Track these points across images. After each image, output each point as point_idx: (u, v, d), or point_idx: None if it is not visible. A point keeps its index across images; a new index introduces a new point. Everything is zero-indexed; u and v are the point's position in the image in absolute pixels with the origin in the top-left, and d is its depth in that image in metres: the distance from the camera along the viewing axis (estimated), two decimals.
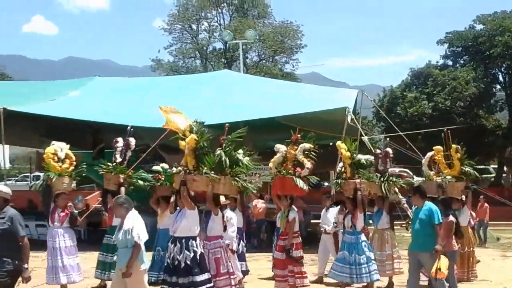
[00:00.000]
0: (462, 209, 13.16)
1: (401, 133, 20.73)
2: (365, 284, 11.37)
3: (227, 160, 9.66)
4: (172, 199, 11.27)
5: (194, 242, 9.19)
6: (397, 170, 38.14)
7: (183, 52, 55.61)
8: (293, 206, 11.58)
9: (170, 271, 9.24)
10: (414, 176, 36.71)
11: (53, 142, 11.78)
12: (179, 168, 9.83)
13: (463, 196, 13.30)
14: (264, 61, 56.24)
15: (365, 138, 18.44)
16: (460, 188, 12.92)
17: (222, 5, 56.06)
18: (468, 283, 12.96)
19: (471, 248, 13.35)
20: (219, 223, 10.20)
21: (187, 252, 9.09)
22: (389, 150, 12.23)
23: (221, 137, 10.12)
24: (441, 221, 9.96)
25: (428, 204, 10.19)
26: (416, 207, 10.40)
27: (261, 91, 22.64)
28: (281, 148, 11.53)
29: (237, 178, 9.93)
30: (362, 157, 12.24)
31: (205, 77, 29.56)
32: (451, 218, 10.75)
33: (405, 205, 15.72)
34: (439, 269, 9.45)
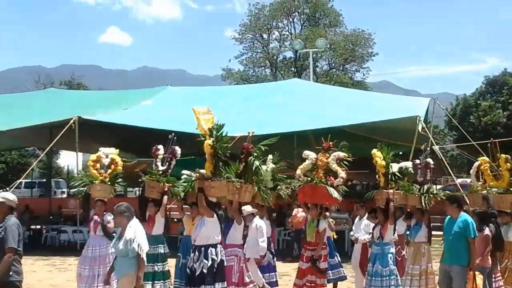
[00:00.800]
0: (511, 223, 12.13)
1: (473, 142, 20.23)
2: None
3: (260, 168, 9.72)
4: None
5: (213, 250, 9.06)
6: (468, 180, 37.28)
7: (254, 61, 56.03)
8: (325, 215, 11.39)
9: (187, 280, 9.26)
10: None
11: (101, 148, 11.67)
12: (197, 174, 9.66)
13: None
14: (334, 69, 56.03)
15: (436, 148, 18.10)
16: (509, 200, 12.09)
17: (294, 14, 56.25)
18: None
19: None
20: (240, 232, 10.13)
21: (205, 261, 8.97)
22: (430, 160, 11.60)
23: (245, 145, 10.01)
24: (476, 235, 9.54)
25: (464, 216, 9.77)
26: (450, 217, 9.95)
27: (330, 100, 22.55)
28: (310, 155, 11.23)
29: (262, 187, 9.92)
30: (397, 166, 11.76)
31: (274, 86, 29.67)
32: (487, 232, 10.28)
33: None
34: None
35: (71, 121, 17.90)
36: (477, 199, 12.29)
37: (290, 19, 56.53)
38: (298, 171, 11.07)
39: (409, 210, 12.04)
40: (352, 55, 54.16)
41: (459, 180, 29.61)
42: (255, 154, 9.93)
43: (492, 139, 12.88)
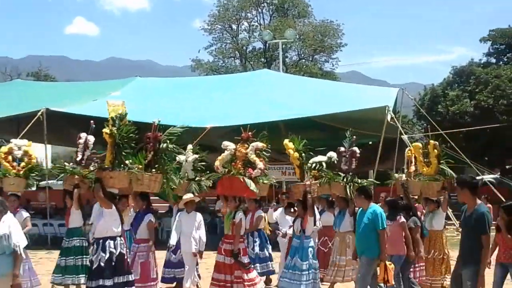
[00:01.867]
0: (437, 211, 12.06)
1: (442, 131, 20.45)
2: None
3: (168, 158, 9.56)
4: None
5: (112, 242, 8.65)
6: None
7: (223, 52, 55.88)
8: (240, 208, 10.94)
9: (88, 274, 8.99)
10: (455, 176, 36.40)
11: (12, 139, 11.29)
12: (95, 164, 9.44)
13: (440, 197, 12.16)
14: (303, 60, 56.15)
15: (404, 137, 18.28)
16: (436, 188, 11.83)
17: (262, 5, 56.14)
18: None
19: (443, 256, 11.96)
20: (144, 225, 10.09)
21: (102, 254, 8.58)
22: (356, 149, 11.36)
23: (149, 134, 9.78)
24: (385, 226, 9.18)
25: (373, 207, 9.41)
26: (361, 209, 9.56)
27: (300, 90, 22.64)
28: (229, 145, 10.74)
29: (175, 177, 9.82)
30: (323, 157, 11.68)
31: (244, 77, 29.68)
32: (402, 219, 10.13)
33: None
34: (387, 281, 8.87)
35: (39, 113, 17.72)
36: (398, 187, 12.11)
37: (259, 10, 56.42)
38: (217, 162, 10.66)
39: (332, 198, 12.09)
40: (321, 45, 54.31)
41: None
42: (167, 142, 9.69)
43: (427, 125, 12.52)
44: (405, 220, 10.19)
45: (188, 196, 11.15)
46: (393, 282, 9.03)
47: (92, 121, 10.39)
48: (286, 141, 11.16)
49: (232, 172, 10.42)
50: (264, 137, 10.87)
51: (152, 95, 22.72)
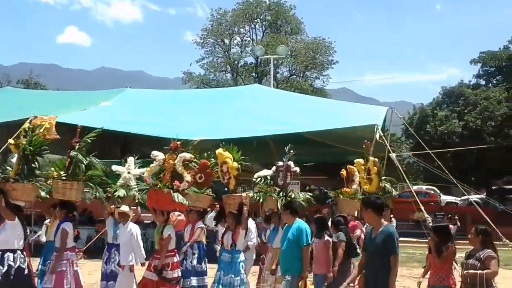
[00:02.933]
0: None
1: (429, 151, 20.56)
2: None
3: (82, 164, 9.32)
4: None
5: (11, 255, 8.30)
6: (424, 188, 38.03)
7: (215, 66, 56.09)
8: (169, 222, 10.51)
9: None
10: (441, 194, 36.56)
11: None
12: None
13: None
14: (294, 76, 56.45)
15: (393, 155, 18.33)
16: (356, 206, 11.74)
17: (256, 20, 56.47)
18: None
19: None
20: (72, 235, 9.78)
21: (0, 267, 8.22)
22: (291, 163, 11.17)
23: (72, 140, 9.71)
24: (309, 242, 8.95)
25: (298, 222, 9.15)
26: (287, 224, 9.34)
27: (290, 106, 22.68)
28: (158, 155, 10.25)
29: (91, 184, 9.57)
30: (264, 173, 11.51)
31: (235, 91, 29.69)
32: (327, 237, 9.93)
33: (431, 223, 14.25)
34: None
35: (28, 121, 17.66)
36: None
37: (252, 25, 56.81)
38: (146, 174, 10.30)
39: (267, 213, 11.86)
40: (313, 62, 54.66)
41: (414, 187, 30.11)
42: (82, 148, 9.54)
43: (366, 141, 12.57)
44: (329, 239, 9.94)
45: (121, 208, 10.95)
46: None
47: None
48: (219, 150, 10.91)
49: (158, 185, 9.95)
50: (193, 149, 10.49)
51: (142, 106, 22.68)
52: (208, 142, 19.99)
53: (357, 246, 12.45)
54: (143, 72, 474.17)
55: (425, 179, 40.53)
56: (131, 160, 11.16)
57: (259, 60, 53.88)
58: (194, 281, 11.82)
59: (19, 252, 8.37)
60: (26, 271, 8.50)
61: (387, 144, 18.34)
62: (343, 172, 12.41)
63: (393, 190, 12.13)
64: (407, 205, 23.24)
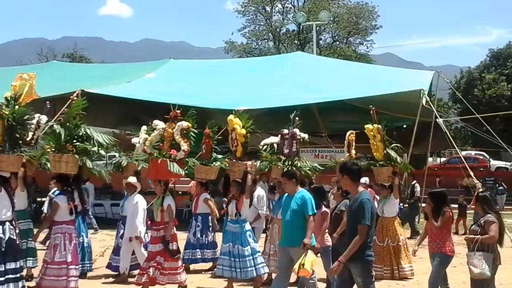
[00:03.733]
0: (389, 197, 11.61)
1: (478, 115, 20.17)
2: (250, 278, 10.18)
3: (63, 134, 9.01)
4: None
5: (0, 227, 8.21)
6: (473, 153, 37.43)
7: (256, 34, 55.77)
8: (168, 192, 10.03)
9: None
10: (491, 160, 35.92)
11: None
12: None
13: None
14: (337, 42, 55.81)
15: (440, 121, 18.04)
16: (386, 173, 11.39)
17: None
18: (392, 281, 11.19)
19: (398, 243, 11.46)
20: (65, 208, 9.38)
21: None
22: (297, 131, 10.76)
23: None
24: (315, 211, 8.35)
25: (302, 192, 8.46)
26: (287, 194, 8.64)
27: (333, 73, 22.47)
28: (159, 124, 9.91)
29: (84, 156, 9.18)
30: (271, 140, 11.20)
31: (277, 59, 29.56)
32: (324, 208, 9.40)
33: (480, 189, 13.50)
34: (303, 265, 7.76)
35: (74, 94, 17.88)
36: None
37: None
38: (147, 143, 9.98)
39: (272, 183, 11.35)
40: (356, 27, 53.93)
41: (463, 153, 29.66)
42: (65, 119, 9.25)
43: (371, 106, 11.71)
44: (327, 210, 9.53)
45: (128, 179, 10.91)
46: (310, 272, 7.96)
47: (47, 102, 10.38)
48: (231, 116, 10.61)
49: (155, 155, 9.75)
50: (192, 116, 10.06)
51: (185, 77, 22.77)
52: (252, 111, 20.00)
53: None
54: (185, 43, 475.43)
55: (474, 145, 39.88)
56: (143, 128, 10.79)
57: (301, 27, 53.41)
58: (198, 253, 11.71)
59: (7, 223, 8.31)
60: (17, 242, 8.53)
61: (434, 110, 18.05)
62: (351, 137, 12.32)
63: (397, 157, 11.65)
64: (456, 171, 22.94)
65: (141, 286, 9.52)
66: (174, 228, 9.82)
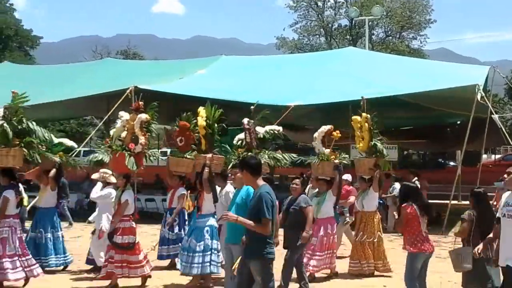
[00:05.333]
0: (369, 190, 11.24)
1: None
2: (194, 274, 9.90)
3: (9, 130, 8.95)
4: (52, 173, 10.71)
5: None
6: None
7: (308, 30, 55.56)
8: (128, 187, 9.91)
9: None
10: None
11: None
12: None
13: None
14: (390, 37, 55.17)
15: (495, 117, 17.69)
16: (366, 165, 11.05)
17: None
18: (366, 277, 11.00)
19: (374, 239, 11.10)
20: (14, 202, 9.45)
21: None
22: (245, 120, 10.38)
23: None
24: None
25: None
26: (237, 189, 8.26)
27: (386, 69, 22.23)
28: (123, 116, 9.81)
29: (30, 150, 9.23)
30: (263, 129, 10.76)
31: (329, 54, 29.42)
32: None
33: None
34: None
35: (128, 91, 18.16)
36: (328, 168, 10.92)
37: None
38: (112, 133, 9.87)
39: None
40: (409, 22, 53.17)
41: None
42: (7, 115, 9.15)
43: (362, 97, 11.47)
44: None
45: (92, 176, 10.92)
46: None
47: None
48: (201, 108, 10.37)
49: (114, 147, 9.68)
50: (153, 108, 10.01)
51: (237, 74, 22.88)
52: (304, 107, 20.00)
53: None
54: (236, 39, 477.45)
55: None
56: (119, 121, 10.63)
57: (353, 22, 52.99)
58: (176, 248, 11.33)
59: None
60: None
61: (489, 105, 17.71)
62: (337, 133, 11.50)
63: (384, 150, 11.34)
64: None
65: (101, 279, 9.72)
66: (132, 221, 9.79)
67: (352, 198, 12.51)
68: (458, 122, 24.48)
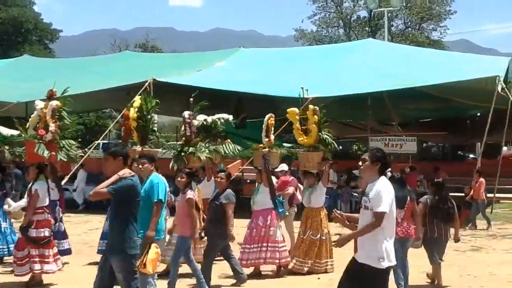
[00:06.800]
0: (317, 186, 10.69)
1: None
2: None
3: None
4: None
5: None
6: None
7: (327, 22, 55.29)
8: (42, 176, 9.42)
9: None
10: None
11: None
12: None
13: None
14: (410, 28, 54.74)
15: None
16: (316, 160, 10.54)
17: None
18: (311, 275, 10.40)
19: (321, 236, 10.51)
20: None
21: None
22: (185, 113, 10.03)
23: None
24: (160, 198, 7.64)
25: (153, 176, 7.81)
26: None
27: (405, 60, 22.11)
28: (38, 104, 9.38)
29: None
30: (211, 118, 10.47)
31: (348, 47, 29.31)
32: (189, 195, 8.64)
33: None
34: (144, 264, 7.09)
35: (146, 83, 18.23)
36: (257, 158, 10.74)
37: None
38: (29, 125, 9.43)
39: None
40: (429, 13, 52.69)
41: None
42: None
43: (302, 87, 11.25)
44: (192, 197, 8.70)
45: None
46: (151, 271, 7.23)
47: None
48: (136, 97, 10.05)
49: (23, 136, 9.42)
50: (65, 97, 9.61)
51: (255, 66, 22.87)
52: (322, 99, 19.92)
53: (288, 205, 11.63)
54: (255, 32, 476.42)
55: None
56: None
57: (372, 13, 52.64)
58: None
59: None
60: None
61: (510, 96, 17.55)
62: (271, 121, 11.04)
63: (334, 143, 10.94)
64: None
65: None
66: (47, 214, 9.37)
67: (290, 189, 11.98)
68: (478, 114, 24.28)
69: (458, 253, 12.53)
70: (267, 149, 10.70)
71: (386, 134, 22.73)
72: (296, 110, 10.90)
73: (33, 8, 57.12)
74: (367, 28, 54.03)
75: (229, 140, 11.00)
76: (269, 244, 10.16)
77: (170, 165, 9.84)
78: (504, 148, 24.40)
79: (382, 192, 5.76)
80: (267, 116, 10.98)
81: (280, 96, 19.32)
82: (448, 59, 23.95)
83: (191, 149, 9.84)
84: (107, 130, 26.78)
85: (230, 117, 11.00)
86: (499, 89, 17.07)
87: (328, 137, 10.75)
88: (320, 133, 10.64)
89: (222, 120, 10.81)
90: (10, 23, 51.93)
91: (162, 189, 7.70)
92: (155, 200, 7.61)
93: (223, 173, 9.47)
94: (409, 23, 54.87)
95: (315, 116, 10.57)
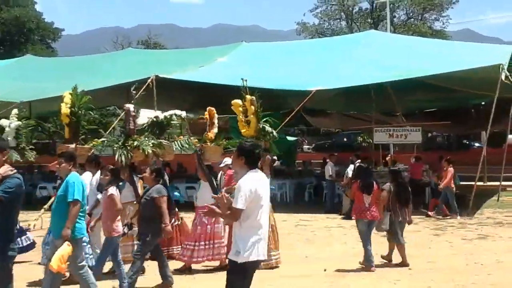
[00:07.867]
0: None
1: None
2: None
3: None
4: None
5: None
6: None
7: (329, 14, 55.22)
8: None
9: None
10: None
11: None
12: None
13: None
14: (412, 19, 54.62)
15: None
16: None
17: None
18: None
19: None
20: None
21: None
22: (130, 106, 9.91)
23: None
24: (75, 197, 7.32)
25: (70, 176, 7.52)
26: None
27: (408, 51, 22.02)
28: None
29: None
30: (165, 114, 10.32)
31: (351, 38, 29.22)
32: (111, 191, 8.53)
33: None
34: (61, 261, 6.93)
35: (149, 80, 18.22)
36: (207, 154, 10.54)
37: None
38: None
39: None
40: (431, 3, 52.57)
41: None
42: None
43: (243, 79, 10.89)
44: (114, 193, 8.58)
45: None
46: (55, 268, 6.94)
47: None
48: (66, 92, 9.68)
49: None
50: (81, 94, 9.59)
51: (258, 60, 22.82)
52: (325, 91, 19.90)
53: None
54: (258, 26, 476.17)
55: None
56: (14, 112, 10.41)
57: (374, 4, 52.58)
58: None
59: None
60: None
61: None
62: (206, 114, 10.83)
63: (274, 132, 10.70)
64: None
65: None
66: None
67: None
68: (483, 103, 24.19)
69: (465, 242, 12.53)
70: (199, 145, 10.46)
71: (391, 125, 22.67)
72: (239, 102, 10.68)
73: (35, 8, 57.17)
74: (369, 20, 53.97)
75: (181, 137, 10.81)
76: (215, 241, 10.19)
77: (116, 158, 9.65)
78: (510, 137, 24.37)
79: (240, 188, 5.50)
80: (207, 109, 10.81)
81: (283, 89, 19.30)
82: (451, 48, 23.84)
83: (135, 142, 9.66)
84: (111, 128, 26.78)
85: (183, 114, 10.89)
86: (503, 77, 17.01)
87: (267, 127, 10.54)
88: (259, 124, 10.47)
89: (174, 117, 10.66)
90: (12, 23, 52.02)
91: (78, 189, 7.43)
92: (70, 200, 7.34)
93: (148, 169, 9.15)
94: (411, 14, 54.77)
95: (252, 107, 10.40)
